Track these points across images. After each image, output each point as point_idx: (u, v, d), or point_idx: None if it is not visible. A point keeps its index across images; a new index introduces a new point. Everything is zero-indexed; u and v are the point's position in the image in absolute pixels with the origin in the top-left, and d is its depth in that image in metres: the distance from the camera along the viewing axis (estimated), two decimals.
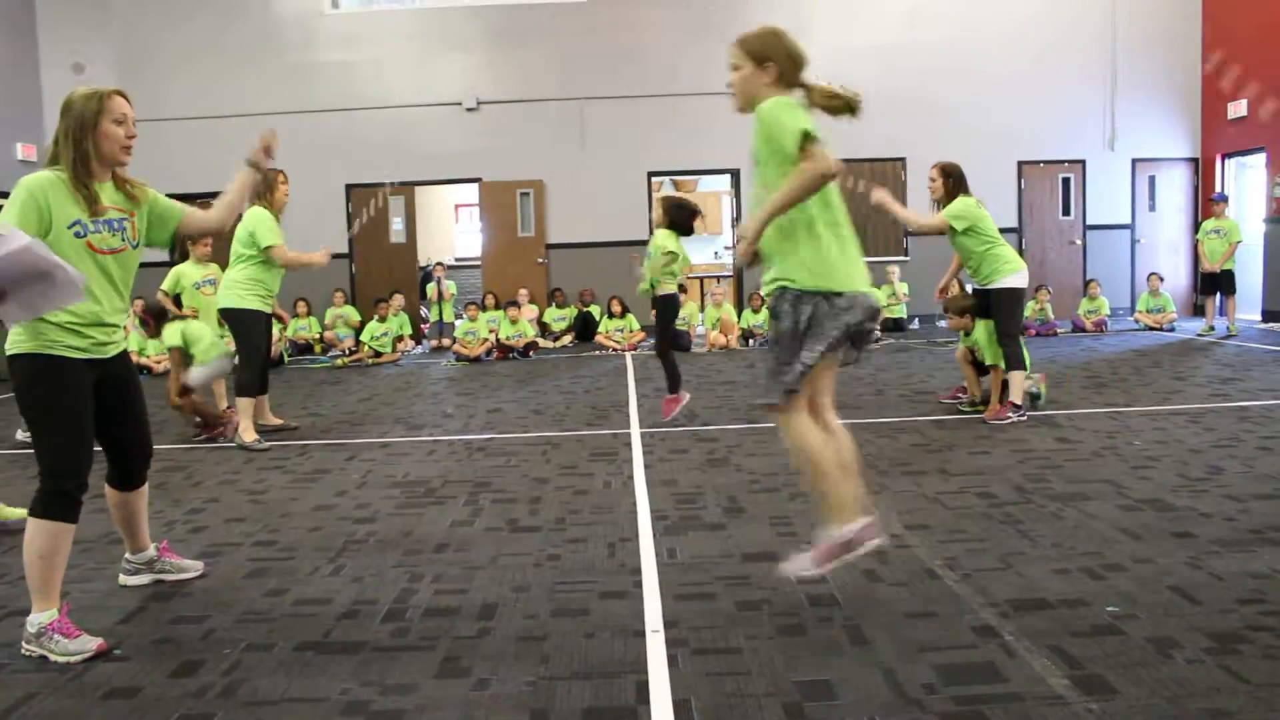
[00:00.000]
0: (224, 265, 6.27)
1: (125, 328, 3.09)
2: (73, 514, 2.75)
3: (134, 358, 6.17)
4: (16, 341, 2.74)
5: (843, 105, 2.80)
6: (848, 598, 2.97)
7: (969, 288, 6.49)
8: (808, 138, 2.62)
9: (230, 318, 5.94)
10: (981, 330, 6.07)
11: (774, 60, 2.78)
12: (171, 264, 6.79)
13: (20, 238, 2.35)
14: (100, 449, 2.97)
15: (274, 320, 6.44)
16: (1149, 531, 3.53)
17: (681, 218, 6.26)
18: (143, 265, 3.08)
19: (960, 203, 5.89)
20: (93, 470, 2.80)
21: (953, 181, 5.96)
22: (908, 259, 12.65)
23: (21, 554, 2.76)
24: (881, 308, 2.89)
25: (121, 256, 2.89)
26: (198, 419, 6.36)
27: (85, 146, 2.78)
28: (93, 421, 2.83)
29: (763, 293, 2.85)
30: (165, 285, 6.85)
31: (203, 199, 13.03)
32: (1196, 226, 12.09)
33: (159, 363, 9.82)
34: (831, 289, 2.75)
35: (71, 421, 2.75)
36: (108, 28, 12.54)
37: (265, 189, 5.93)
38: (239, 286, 5.87)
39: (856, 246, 2.85)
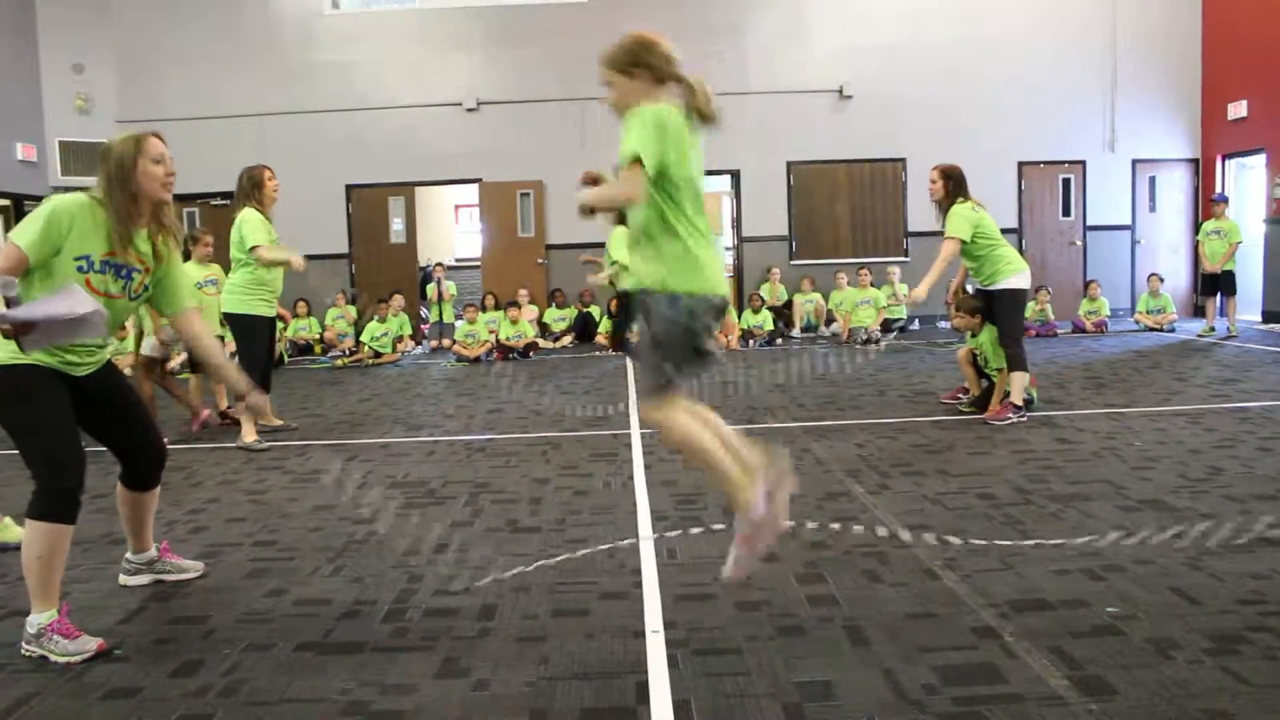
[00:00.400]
0: (225, 264, 6.26)
1: (125, 327, 3.11)
2: (70, 514, 2.74)
3: (135, 359, 6.17)
4: None
5: (705, 117, 2.79)
6: (848, 598, 2.98)
7: (969, 288, 6.47)
8: (635, 161, 2.61)
9: (233, 321, 5.92)
10: (987, 335, 6.07)
11: (639, 65, 2.78)
12: None
13: (87, 303, 2.51)
14: (106, 449, 2.96)
15: (277, 320, 6.42)
16: (1149, 532, 3.53)
17: None
18: None
19: (957, 216, 5.82)
20: (93, 471, 2.80)
21: (953, 183, 5.93)
22: (908, 259, 12.64)
23: (21, 554, 2.75)
24: (726, 305, 2.86)
25: (114, 303, 2.86)
26: (196, 415, 6.37)
27: (129, 188, 2.81)
28: (75, 421, 2.81)
29: (627, 288, 2.85)
30: None
31: (202, 199, 13.09)
32: (1197, 227, 12.09)
33: None
34: (698, 291, 2.71)
35: (52, 423, 2.74)
36: (108, 28, 12.54)
37: (253, 187, 5.86)
38: (242, 290, 5.86)
39: (716, 247, 2.85)
